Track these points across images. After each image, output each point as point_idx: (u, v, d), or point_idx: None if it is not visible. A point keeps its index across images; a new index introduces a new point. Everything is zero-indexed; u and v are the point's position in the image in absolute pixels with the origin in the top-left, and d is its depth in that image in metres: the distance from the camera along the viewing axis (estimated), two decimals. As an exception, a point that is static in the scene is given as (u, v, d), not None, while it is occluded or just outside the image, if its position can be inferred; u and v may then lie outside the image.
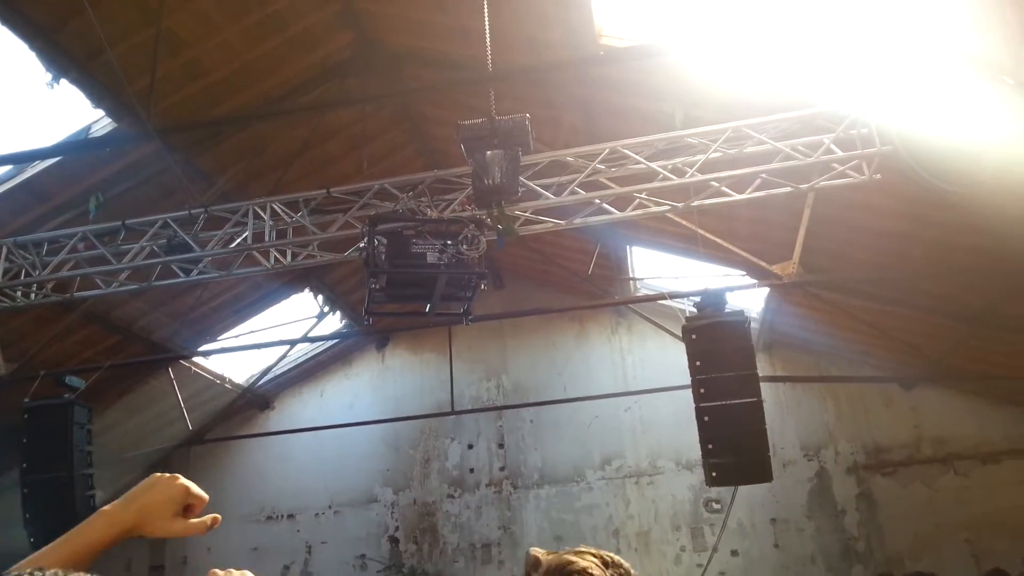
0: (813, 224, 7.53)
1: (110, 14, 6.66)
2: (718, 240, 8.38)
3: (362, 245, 6.25)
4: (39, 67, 6.80)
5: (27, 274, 7.10)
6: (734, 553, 12.48)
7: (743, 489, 10.76)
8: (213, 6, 7.19)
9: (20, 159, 7.59)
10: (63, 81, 6.96)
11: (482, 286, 5.97)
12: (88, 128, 8.10)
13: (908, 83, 5.26)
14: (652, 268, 12.55)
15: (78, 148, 8.19)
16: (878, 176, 5.90)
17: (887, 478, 12.30)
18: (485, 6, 5.54)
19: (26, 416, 8.09)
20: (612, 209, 6.47)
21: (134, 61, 6.78)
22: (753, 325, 10.60)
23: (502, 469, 14.11)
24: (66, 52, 6.82)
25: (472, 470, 14.23)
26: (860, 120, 5.95)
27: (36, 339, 9.56)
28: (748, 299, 11.57)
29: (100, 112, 7.80)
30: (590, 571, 1.68)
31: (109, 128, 7.92)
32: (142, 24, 6.79)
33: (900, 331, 10.33)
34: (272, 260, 6.97)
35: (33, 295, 7.45)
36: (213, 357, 13.36)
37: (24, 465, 7.93)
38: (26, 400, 8.23)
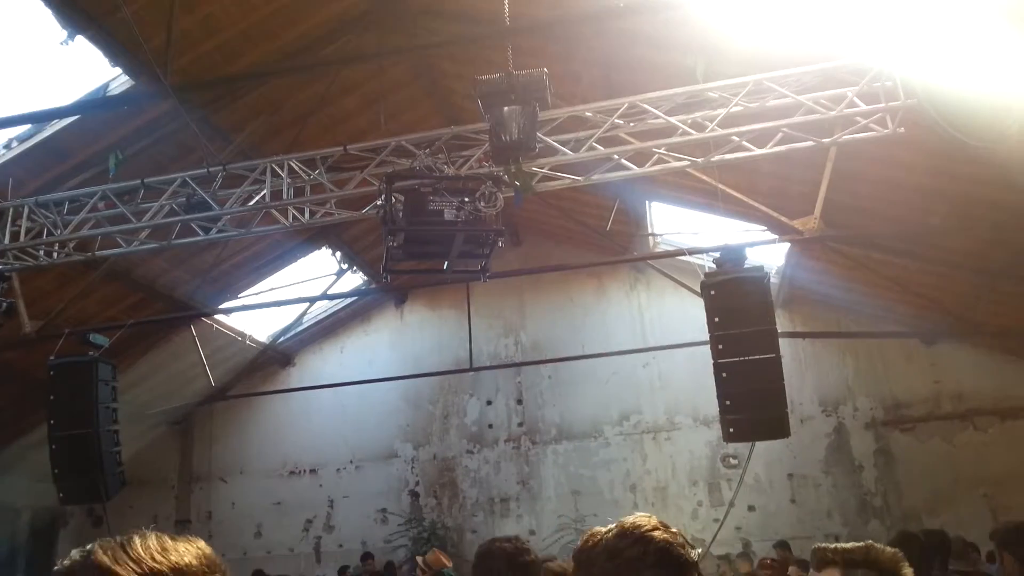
0: (835, 179, 7.40)
1: (125, -31, 6.60)
2: (738, 195, 8.27)
3: (379, 203, 6.23)
4: (55, 25, 6.76)
5: (48, 233, 7.14)
6: (751, 508, 12.58)
7: (760, 445, 10.71)
8: (228, -39, 7.11)
9: (39, 118, 7.61)
10: (79, 39, 6.92)
11: (499, 243, 5.93)
12: (106, 86, 8.08)
13: (934, 34, 5.11)
14: (671, 224, 12.45)
15: (96, 106, 8.17)
16: (902, 130, 5.77)
17: (906, 434, 12.30)
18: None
19: (52, 373, 8.16)
20: (631, 165, 6.38)
21: (151, 18, 6.73)
22: (773, 281, 10.54)
23: (520, 425, 14.24)
24: (82, 9, 6.77)
25: (491, 426, 14.38)
26: (884, 73, 5.80)
27: (60, 297, 9.67)
28: (768, 255, 11.51)
29: (118, 70, 7.78)
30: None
31: (127, 86, 7.90)
32: (157, -21, 6.72)
33: (921, 286, 10.23)
34: (290, 218, 6.95)
35: (55, 254, 7.49)
36: (234, 314, 13.47)
37: (51, 422, 8.03)
38: (51, 358, 8.31)
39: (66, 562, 1.09)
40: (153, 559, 1.10)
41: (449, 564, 5.87)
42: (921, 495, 11.88)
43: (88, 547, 1.11)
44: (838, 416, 12.74)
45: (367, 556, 13.15)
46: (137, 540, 1.12)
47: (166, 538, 1.14)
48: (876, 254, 9.73)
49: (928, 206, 8.34)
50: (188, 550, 1.14)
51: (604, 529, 1.65)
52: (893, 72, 5.75)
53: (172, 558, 1.11)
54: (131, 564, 1.08)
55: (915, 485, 11.98)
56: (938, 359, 12.29)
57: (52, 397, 8.11)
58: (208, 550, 1.18)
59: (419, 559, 6.04)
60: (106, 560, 1.08)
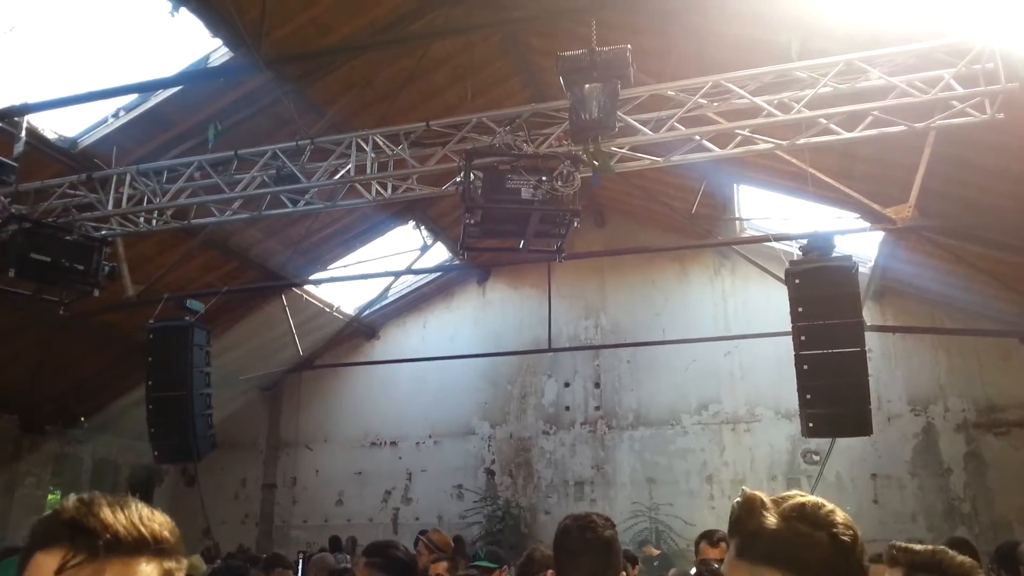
0: (934, 165, 7.05)
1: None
2: (830, 180, 7.98)
3: (459, 180, 6.29)
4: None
5: (148, 201, 7.49)
6: (830, 506, 12.20)
7: (843, 442, 10.50)
8: (323, -63, 7.25)
9: (143, 88, 7.98)
10: (183, 10, 7.21)
11: (575, 224, 5.90)
12: (207, 58, 8.39)
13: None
14: (760, 208, 12.13)
15: (197, 77, 8.51)
16: (1001, 115, 5.43)
17: (999, 438, 11.70)
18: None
19: (151, 336, 8.59)
20: (712, 146, 6.24)
21: (250, -10, 6.93)
22: (864, 271, 10.16)
23: (597, 408, 14.21)
24: (186, -20, 7.04)
25: (568, 408, 14.40)
26: (984, 54, 5.46)
27: (160, 263, 10.16)
28: (862, 244, 11.08)
29: (218, 42, 8.07)
30: None
31: (227, 58, 8.19)
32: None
33: (1022, 282, 9.66)
34: (374, 192, 7.10)
35: (155, 221, 7.86)
36: (323, 286, 13.89)
37: (148, 383, 8.45)
38: (150, 321, 8.74)
39: (66, 504, 1.17)
40: (141, 522, 1.18)
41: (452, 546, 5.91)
42: (1013, 503, 11.29)
43: (88, 497, 1.19)
44: (928, 416, 12.22)
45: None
46: (132, 504, 1.21)
47: (148, 509, 1.22)
48: (974, 246, 9.22)
49: (1031, 196, 7.87)
50: (164, 523, 1.23)
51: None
52: (994, 53, 5.42)
53: (153, 527, 1.20)
54: (124, 522, 1.17)
55: (1007, 492, 11.38)
56: (1038, 361, 11.63)
57: (150, 359, 8.54)
58: (176, 529, 1.26)
59: (422, 538, 6.08)
60: (108, 515, 1.17)
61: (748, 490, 1.54)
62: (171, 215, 7.92)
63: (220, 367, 9.77)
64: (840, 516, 1.47)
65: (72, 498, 1.17)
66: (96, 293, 7.44)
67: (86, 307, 8.82)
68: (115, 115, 8.88)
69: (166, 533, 1.20)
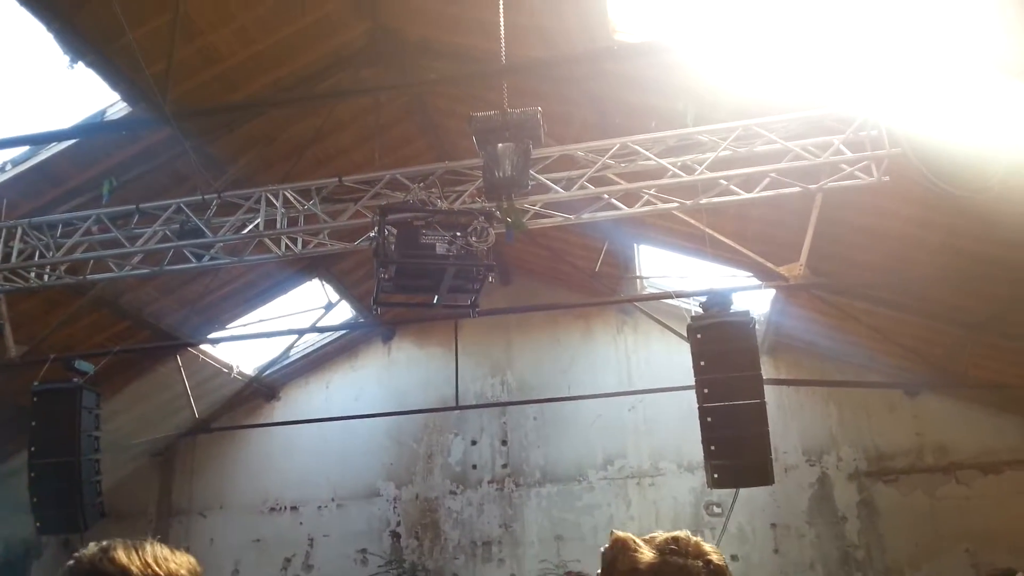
0: (821, 226, 7.53)
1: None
2: (726, 240, 8.39)
3: (372, 234, 6.30)
4: (56, 50, 6.86)
5: (40, 255, 7.17)
6: (734, 558, 12.45)
7: (744, 493, 10.78)
8: (231, -8, 7.26)
9: (36, 140, 7.68)
10: (80, 64, 7.03)
11: (490, 278, 6.01)
12: (103, 112, 8.16)
13: (918, 85, 5.28)
14: (659, 267, 12.55)
15: (94, 131, 8.26)
16: (887, 178, 5.91)
17: (889, 486, 12.27)
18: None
19: (35, 399, 8.11)
20: (621, 205, 6.49)
21: (151, 46, 6.83)
22: (758, 327, 10.61)
23: (504, 466, 14.14)
24: (83, 35, 6.88)
25: (475, 466, 14.26)
26: (870, 122, 5.96)
27: (46, 322, 9.63)
28: (754, 301, 11.58)
29: (116, 96, 7.88)
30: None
31: (125, 112, 7.99)
32: (160, 9, 6.84)
33: (905, 336, 10.32)
34: (283, 247, 7.02)
35: (47, 276, 7.51)
36: (221, 345, 13.42)
37: (32, 448, 7.96)
38: (35, 384, 8.27)
39: (85, 552, 1.20)
40: (156, 563, 1.21)
41: None
42: (904, 549, 11.82)
43: (106, 543, 1.24)
44: (822, 466, 12.71)
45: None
46: (148, 545, 1.28)
47: (167, 549, 1.32)
48: (860, 303, 9.83)
49: (912, 256, 8.47)
50: (182, 563, 1.29)
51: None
52: (879, 121, 5.92)
53: (171, 567, 1.25)
54: (139, 563, 1.22)
55: (898, 538, 11.91)
56: (921, 411, 12.32)
57: (34, 423, 8.04)
58: (198, 567, 1.33)
59: None
60: (123, 557, 1.21)
61: (617, 532, 1.60)
62: (64, 270, 7.58)
63: (109, 431, 9.28)
64: (708, 546, 1.57)
65: (91, 545, 1.19)
66: (-24, 354, 7.02)
67: (-36, 369, 8.28)
68: (1, 168, 8.49)
69: (183, 572, 1.21)
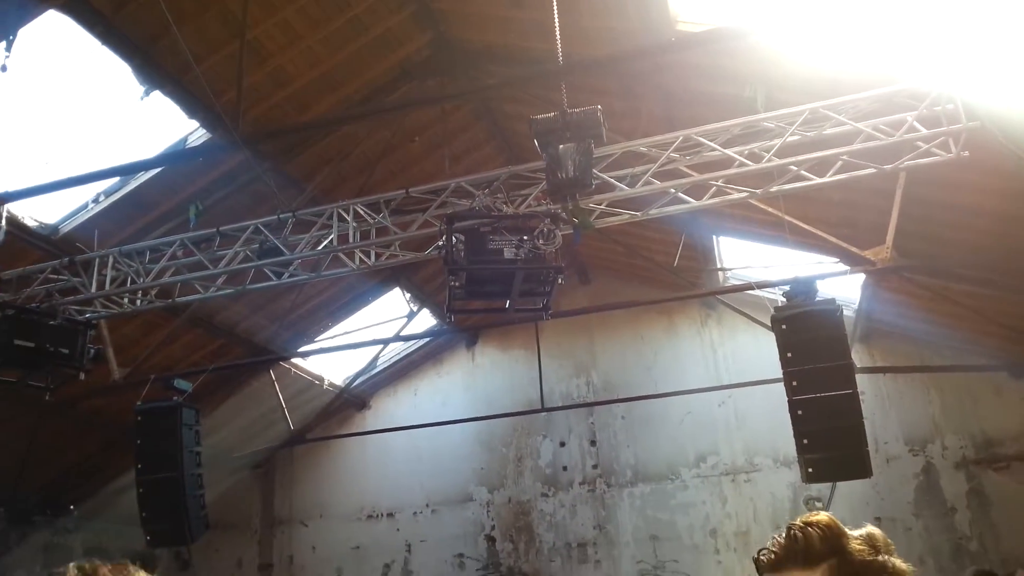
0: (906, 206, 7.20)
1: (199, 28, 7.01)
2: (806, 226, 8.11)
3: (440, 243, 6.34)
4: (133, 82, 7.19)
5: (132, 281, 7.51)
6: (837, 553, 12.01)
7: (844, 487, 10.41)
8: (295, 15, 7.44)
9: (124, 171, 8.04)
10: (156, 94, 7.34)
11: (560, 280, 5.97)
12: (185, 139, 8.51)
13: (993, 54, 4.96)
14: (741, 257, 12.24)
15: (176, 159, 8.60)
16: (966, 154, 5.60)
17: (1000, 473, 11.60)
18: (554, 1, 5.54)
19: (138, 419, 8.51)
20: (688, 198, 6.36)
21: (223, 72, 7.11)
22: (849, 314, 10.22)
23: (595, 467, 14.05)
24: (160, 66, 7.19)
25: (565, 468, 14.23)
26: (944, 95, 5.65)
27: (146, 344, 10.11)
28: (843, 287, 11.16)
29: (195, 123, 8.20)
30: None
31: (204, 138, 8.31)
32: (229, 36, 7.10)
33: (1006, 316, 9.74)
34: (357, 261, 7.16)
35: (139, 301, 7.86)
36: (311, 358, 13.80)
37: (138, 466, 8.35)
38: (138, 403, 8.67)
39: (66, 570, 1.19)
40: None
41: None
42: (1020, 538, 11.14)
43: (88, 567, 1.23)
44: (926, 455, 12.13)
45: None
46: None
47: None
48: (955, 283, 9.32)
49: (1005, 231, 7.97)
50: None
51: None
52: (953, 94, 5.61)
53: None
54: None
55: (1014, 527, 11.24)
56: (1030, 393, 11.63)
57: (139, 442, 8.45)
58: None
59: None
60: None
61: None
62: (155, 295, 7.93)
63: (210, 446, 9.65)
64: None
65: (71, 567, 1.19)
66: (82, 377, 7.40)
67: (72, 392, 8.74)
68: (96, 200, 8.91)
69: None
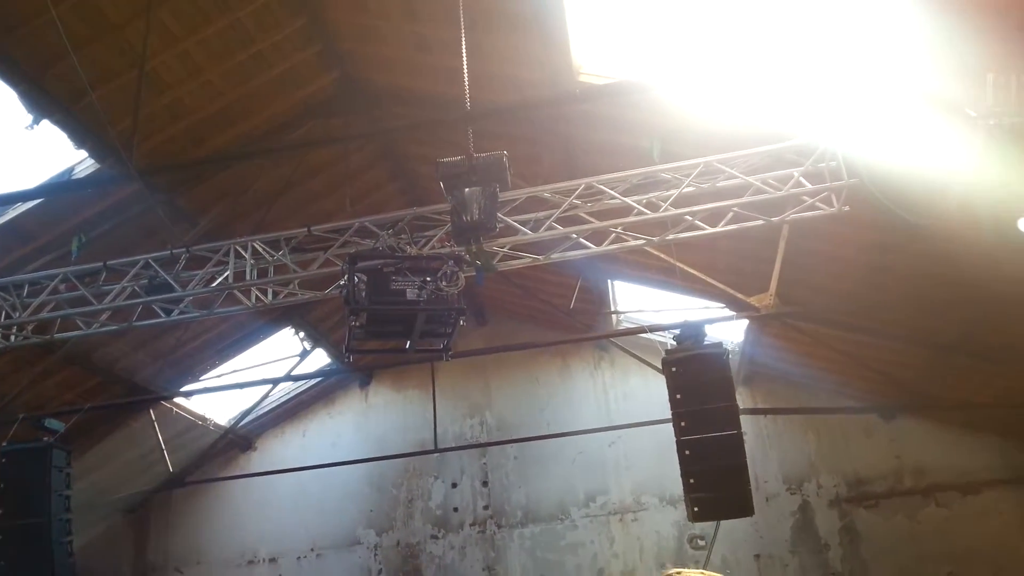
0: (789, 255, 7.67)
1: (94, 57, 6.77)
2: (696, 273, 8.49)
3: (342, 283, 6.29)
4: (19, 109, 6.86)
5: (7, 316, 7.08)
6: (719, 590, 12.37)
7: (726, 525, 10.67)
8: (196, 48, 7.31)
9: (3, 201, 7.61)
10: (44, 122, 7.02)
11: (461, 322, 5.99)
12: (71, 169, 8.13)
13: (873, 117, 5.42)
14: (634, 302, 12.64)
15: (61, 189, 8.21)
16: (847, 208, 6.05)
17: (869, 511, 12.30)
18: (463, 47, 5.66)
19: (3, 460, 7.95)
20: (589, 244, 6.56)
21: (117, 102, 6.88)
22: (733, 358, 10.68)
23: (486, 508, 14.01)
24: (49, 94, 6.90)
25: (456, 509, 14.13)
26: (828, 153, 6.12)
27: (15, 381, 9.48)
28: (728, 332, 11.68)
29: (83, 153, 7.86)
30: None
31: (92, 169, 7.97)
32: (125, 66, 6.89)
33: (878, 361, 10.43)
34: (253, 299, 6.98)
35: (13, 337, 7.41)
36: (195, 397, 13.25)
37: (0, 511, 7.79)
38: (3, 444, 8.11)
39: None
40: None
41: None
42: (888, 574, 11.81)
43: None
44: (803, 493, 12.73)
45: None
46: None
47: None
48: (831, 330, 9.94)
49: (879, 281, 8.60)
50: None
51: None
52: (836, 152, 6.07)
53: None
54: None
55: (881, 563, 11.91)
56: (898, 434, 12.41)
57: (2, 485, 7.88)
58: None
59: None
60: None
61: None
62: (32, 330, 7.48)
63: (81, 490, 9.09)
64: None
65: None
66: (-58, 416, 6.89)
67: (-71, 431, 8.10)
68: (-32, 229, 8.40)
69: None
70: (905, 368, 10.56)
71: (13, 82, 6.72)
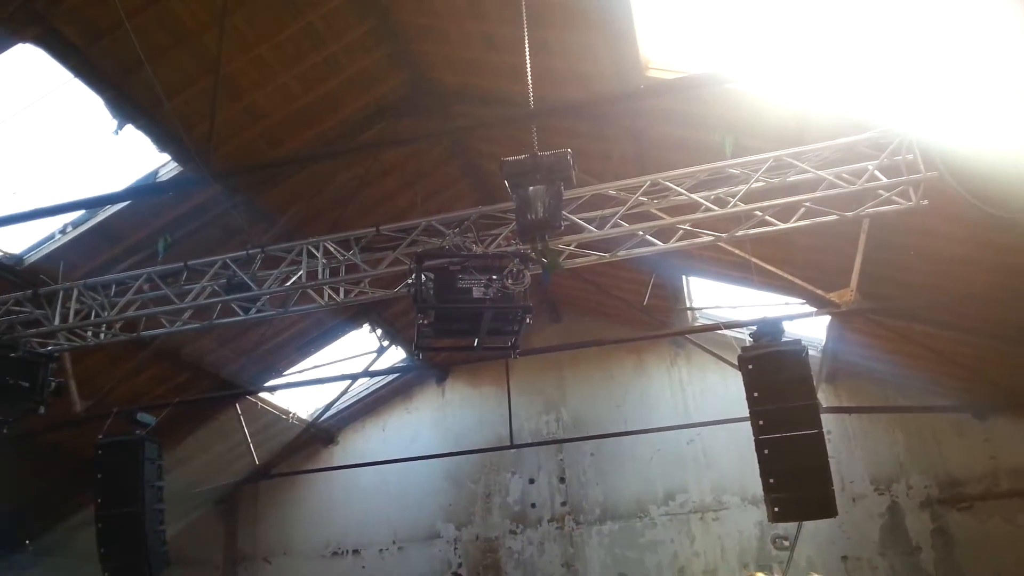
0: (871, 250, 7.35)
1: (175, 62, 7.02)
2: (772, 268, 8.24)
3: (410, 281, 6.35)
4: (106, 115, 7.17)
5: (96, 315, 7.42)
6: (804, 592, 12.06)
7: (811, 525, 10.44)
8: (270, 52, 7.49)
9: (91, 204, 7.97)
10: (129, 127, 7.32)
11: (528, 320, 5.98)
12: (156, 172, 8.46)
13: (954, 107, 5.13)
14: (709, 298, 12.39)
15: (144, 192, 8.56)
16: (925, 202, 5.76)
17: (963, 513, 11.74)
18: (526, 44, 5.62)
19: (99, 452, 8.33)
20: (655, 240, 6.44)
21: (196, 106, 7.11)
22: (815, 354, 10.34)
23: (564, 504, 13.99)
24: (132, 100, 7.18)
25: (534, 505, 14.16)
26: (904, 146, 5.83)
27: (109, 377, 9.93)
28: (810, 328, 11.31)
29: (166, 156, 8.17)
30: None
31: (175, 172, 8.28)
32: (203, 72, 7.11)
33: (968, 358, 9.93)
34: (326, 297, 7.14)
35: (103, 335, 7.76)
36: (278, 392, 13.66)
37: (99, 500, 8.16)
38: (100, 437, 8.49)
39: None
40: None
41: None
42: (984, 578, 11.27)
43: None
44: (891, 494, 12.24)
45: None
46: None
47: None
48: (919, 326, 9.50)
49: (966, 275, 8.17)
50: None
51: None
52: (913, 144, 5.78)
53: None
54: None
55: (978, 567, 11.34)
56: (992, 434, 11.78)
57: (99, 476, 8.25)
58: None
59: None
60: None
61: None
62: (120, 328, 7.83)
63: (173, 481, 9.45)
64: None
65: None
66: (42, 410, 7.26)
67: (32, 425, 8.55)
68: (62, 231, 8.80)
69: None
70: (997, 365, 10.03)
71: (99, 89, 7.02)
